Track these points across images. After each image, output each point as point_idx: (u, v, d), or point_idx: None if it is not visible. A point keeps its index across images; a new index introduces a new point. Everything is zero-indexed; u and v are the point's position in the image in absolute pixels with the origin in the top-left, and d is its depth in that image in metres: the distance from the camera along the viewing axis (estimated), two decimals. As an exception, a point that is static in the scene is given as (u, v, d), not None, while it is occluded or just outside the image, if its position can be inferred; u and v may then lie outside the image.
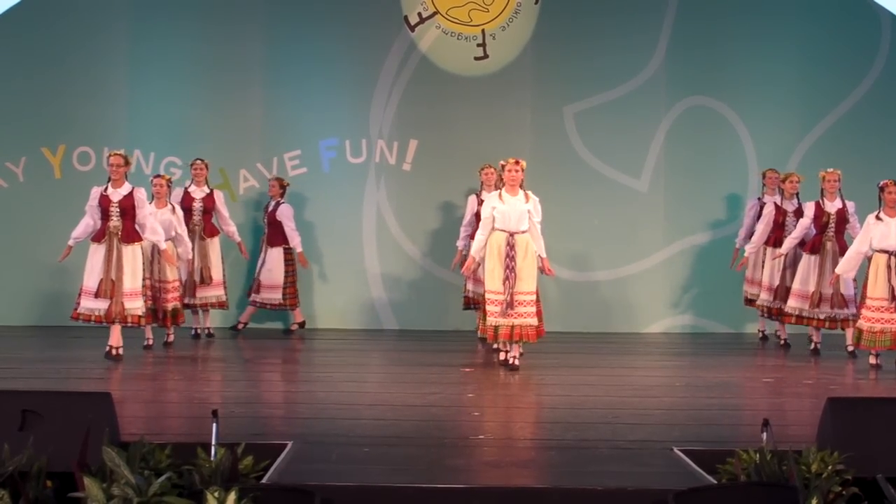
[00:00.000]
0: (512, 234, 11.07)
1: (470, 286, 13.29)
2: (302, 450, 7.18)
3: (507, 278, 10.98)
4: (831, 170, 12.53)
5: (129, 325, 11.32)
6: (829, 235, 12.45)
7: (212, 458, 6.26)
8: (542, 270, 11.28)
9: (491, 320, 11.04)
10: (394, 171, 14.79)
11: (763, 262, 13.45)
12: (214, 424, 6.51)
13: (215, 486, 5.66)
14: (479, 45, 14.83)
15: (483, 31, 14.82)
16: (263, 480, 6.29)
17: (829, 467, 6.29)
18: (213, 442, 6.44)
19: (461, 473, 6.88)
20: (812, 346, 12.70)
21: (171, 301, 12.21)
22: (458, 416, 8.85)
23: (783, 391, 10.80)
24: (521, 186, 11.23)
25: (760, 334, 14.09)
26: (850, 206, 12.53)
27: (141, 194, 11.50)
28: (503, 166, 11.26)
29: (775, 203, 13.25)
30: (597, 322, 14.62)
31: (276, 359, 12.17)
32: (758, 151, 14.69)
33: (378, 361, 12.53)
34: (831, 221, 12.44)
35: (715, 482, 6.40)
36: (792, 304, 12.63)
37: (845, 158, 13.44)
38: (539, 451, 7.63)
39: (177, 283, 12.34)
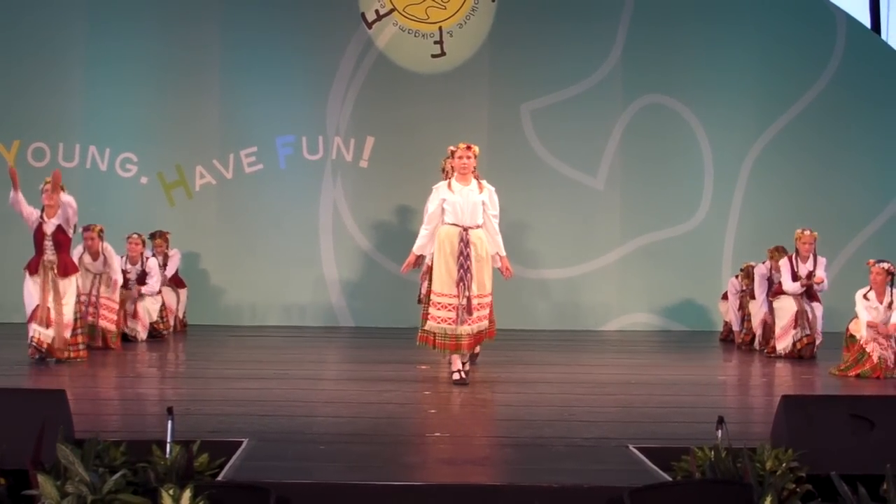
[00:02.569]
0: (465, 230, 9.95)
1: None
2: (257, 447, 7.16)
3: (461, 279, 9.88)
4: (808, 232, 12.25)
5: (68, 358, 11.01)
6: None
7: (167, 456, 6.23)
8: (501, 271, 10.42)
9: (434, 326, 9.95)
10: (350, 167, 14.79)
11: (742, 311, 13.43)
12: (170, 421, 6.47)
13: (170, 483, 5.63)
14: (436, 43, 14.85)
15: (440, 28, 14.84)
16: (219, 478, 6.26)
17: (784, 464, 6.32)
18: (169, 439, 6.40)
19: (417, 471, 6.87)
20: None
21: (108, 321, 12.14)
22: (414, 414, 8.84)
23: (738, 389, 10.88)
24: (474, 175, 10.13)
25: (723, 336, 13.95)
26: (822, 262, 12.31)
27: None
28: (453, 152, 10.14)
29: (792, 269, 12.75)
30: (553, 320, 14.68)
31: (231, 356, 12.11)
32: (713, 149, 14.79)
33: (334, 359, 12.51)
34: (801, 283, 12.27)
35: (670, 479, 6.42)
36: (780, 345, 12.36)
37: (799, 157, 13.58)
38: (495, 448, 7.63)
39: (116, 304, 12.25)
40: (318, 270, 14.77)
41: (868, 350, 10.87)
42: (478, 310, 10.00)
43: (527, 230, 14.64)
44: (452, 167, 10.26)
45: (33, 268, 11.02)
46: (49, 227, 10.97)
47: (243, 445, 7.10)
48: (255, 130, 14.74)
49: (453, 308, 9.91)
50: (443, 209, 10.10)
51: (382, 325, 14.44)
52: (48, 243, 10.98)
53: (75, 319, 11.17)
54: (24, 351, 11.28)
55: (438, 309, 9.97)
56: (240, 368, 11.10)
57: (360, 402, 9.24)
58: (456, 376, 10.10)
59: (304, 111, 14.82)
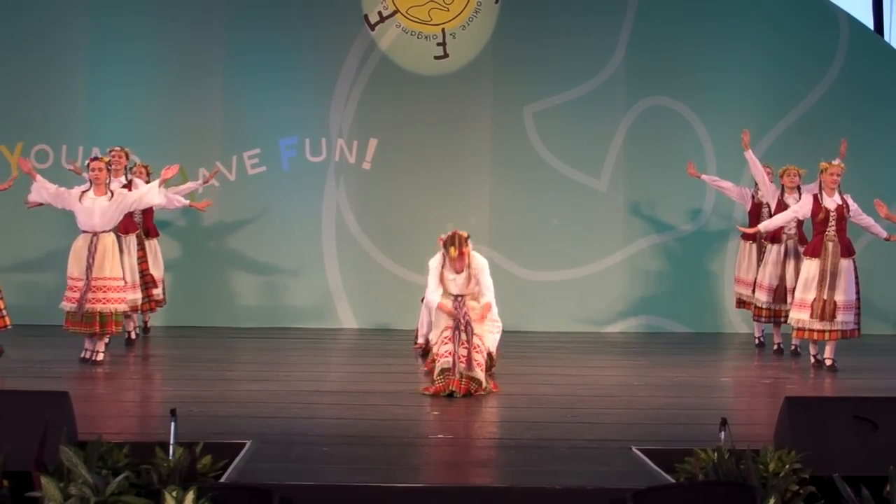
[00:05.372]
0: (461, 299, 10.23)
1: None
2: (261, 449, 7.17)
3: (454, 339, 9.91)
4: (836, 162, 11.61)
5: None
6: (830, 235, 11.32)
7: (170, 458, 6.24)
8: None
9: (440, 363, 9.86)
10: (353, 170, 14.77)
11: (757, 260, 13.02)
12: (173, 423, 6.48)
13: (173, 485, 5.64)
14: (439, 45, 14.83)
15: (443, 30, 14.82)
16: (222, 479, 6.27)
17: (787, 466, 6.33)
18: (172, 441, 6.42)
19: (420, 473, 6.88)
20: (812, 360, 11.71)
21: (112, 302, 11.03)
22: (417, 416, 8.85)
23: (741, 391, 10.87)
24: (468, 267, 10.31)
25: (757, 340, 13.40)
26: (852, 202, 11.54)
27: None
28: (445, 249, 10.27)
29: (778, 197, 12.62)
30: (556, 322, 14.64)
31: (235, 358, 12.12)
32: (717, 151, 14.75)
33: (337, 360, 12.50)
34: (831, 219, 11.34)
35: (673, 481, 6.43)
36: (794, 315, 11.54)
37: (802, 158, 13.47)
38: (498, 450, 7.64)
39: (120, 284, 11.22)
40: (320, 272, 14.74)
41: None
42: (477, 362, 9.82)
43: (529, 232, 14.61)
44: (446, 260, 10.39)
45: None
46: None
47: (246, 447, 7.12)
48: (257, 132, 14.71)
49: (450, 354, 9.79)
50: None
51: (385, 327, 14.43)
52: None
53: None
54: (28, 353, 11.30)
55: (441, 346, 9.99)
56: (243, 370, 11.11)
57: (363, 403, 9.25)
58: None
59: (307, 113, 14.80)
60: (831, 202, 11.42)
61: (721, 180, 13.59)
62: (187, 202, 12.47)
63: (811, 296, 11.33)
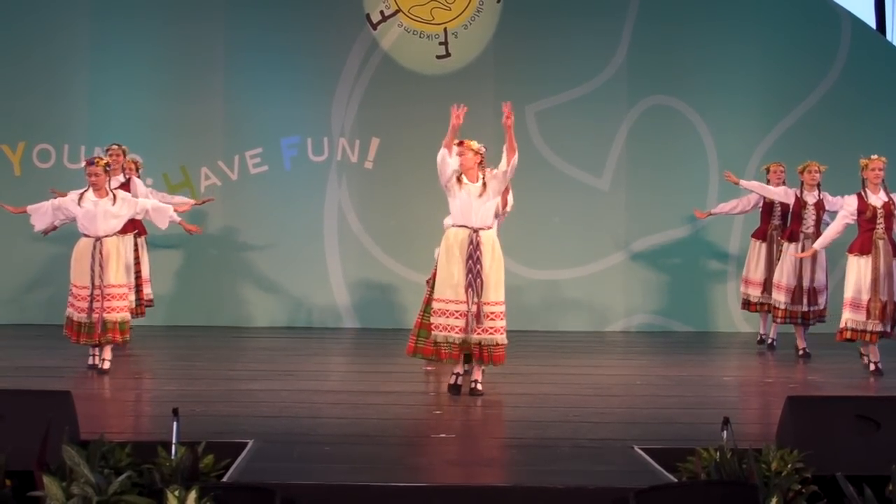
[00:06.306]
0: (475, 231, 9.44)
1: None
2: (263, 448, 7.16)
3: (470, 285, 9.27)
4: (875, 157, 11.01)
5: None
6: (879, 233, 10.77)
7: (172, 457, 6.23)
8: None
9: (438, 335, 9.33)
10: (355, 169, 14.77)
11: (766, 260, 12.83)
12: (175, 423, 6.47)
13: (176, 484, 5.64)
14: (441, 44, 14.83)
15: (445, 29, 14.82)
16: (224, 479, 6.27)
17: (789, 465, 6.31)
18: (174, 440, 6.41)
19: (423, 472, 6.88)
20: (872, 366, 10.98)
21: (116, 311, 10.70)
22: (419, 415, 8.85)
23: (743, 390, 10.87)
24: (481, 171, 9.73)
25: (760, 339, 13.23)
26: None
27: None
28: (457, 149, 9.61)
29: (796, 194, 12.29)
30: (558, 321, 14.64)
31: (237, 357, 12.12)
32: (719, 151, 14.74)
33: (339, 360, 12.51)
34: (879, 216, 10.80)
35: (675, 480, 6.42)
36: (849, 315, 10.85)
37: (804, 158, 13.48)
38: (500, 449, 7.64)
39: (124, 291, 10.94)
40: (322, 271, 14.74)
41: None
42: (490, 319, 9.33)
43: (531, 231, 14.60)
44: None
45: None
46: None
47: (248, 446, 7.12)
48: (259, 132, 14.72)
49: (461, 315, 9.30)
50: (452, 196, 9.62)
51: (387, 327, 14.41)
52: None
53: None
54: (29, 353, 11.29)
55: (441, 316, 9.36)
56: (245, 369, 11.10)
57: (366, 403, 9.25)
58: (451, 379, 9.66)
59: (309, 112, 14.80)
60: (877, 199, 10.91)
61: (725, 204, 13.37)
62: (178, 219, 12.25)
63: (866, 297, 10.78)
